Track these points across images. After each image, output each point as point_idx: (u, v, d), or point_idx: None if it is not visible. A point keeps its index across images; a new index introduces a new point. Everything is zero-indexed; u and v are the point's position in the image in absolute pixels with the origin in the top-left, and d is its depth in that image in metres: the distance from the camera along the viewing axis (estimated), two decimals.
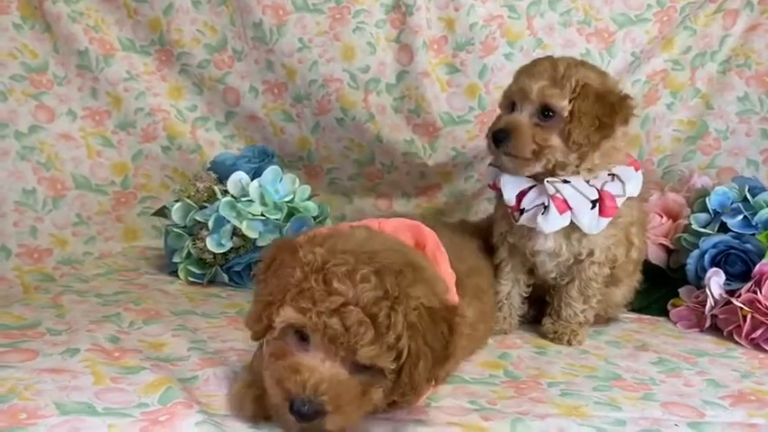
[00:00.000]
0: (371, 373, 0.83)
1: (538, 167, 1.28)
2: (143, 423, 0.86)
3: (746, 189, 1.57)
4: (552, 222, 1.27)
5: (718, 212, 1.56)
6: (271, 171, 1.57)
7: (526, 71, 1.29)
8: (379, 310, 0.81)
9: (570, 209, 1.26)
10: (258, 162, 1.66)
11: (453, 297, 0.95)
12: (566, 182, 1.27)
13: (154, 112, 1.90)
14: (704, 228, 1.56)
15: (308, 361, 0.82)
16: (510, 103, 1.30)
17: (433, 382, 0.89)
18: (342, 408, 0.81)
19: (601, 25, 1.84)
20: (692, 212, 1.61)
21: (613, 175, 1.29)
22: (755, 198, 1.55)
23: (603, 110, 1.24)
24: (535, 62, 1.31)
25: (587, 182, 1.28)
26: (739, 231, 1.52)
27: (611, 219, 1.27)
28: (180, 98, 1.93)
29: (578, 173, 1.28)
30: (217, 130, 1.95)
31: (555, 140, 1.25)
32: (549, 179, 1.27)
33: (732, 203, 1.56)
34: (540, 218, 1.27)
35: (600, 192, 1.27)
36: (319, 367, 0.81)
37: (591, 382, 1.14)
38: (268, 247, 0.96)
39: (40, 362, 1.02)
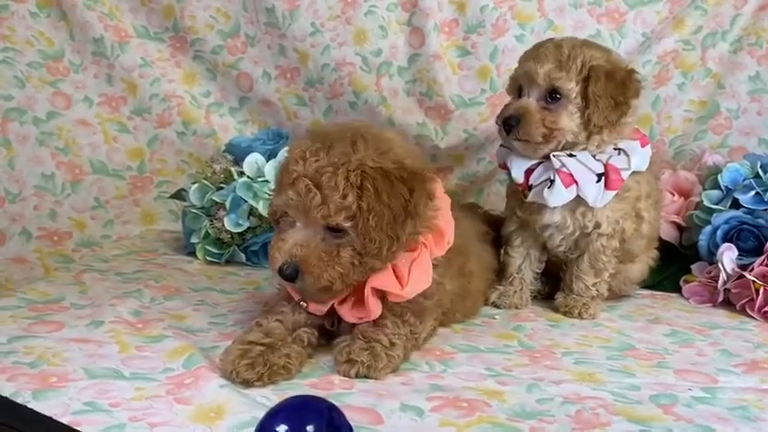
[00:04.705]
0: (340, 235, 0.95)
1: (549, 149, 1.30)
2: (169, 386, 0.89)
3: (758, 165, 1.57)
4: (558, 196, 1.29)
5: (730, 189, 1.57)
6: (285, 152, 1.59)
7: (531, 55, 1.31)
8: (321, 176, 0.92)
9: (575, 182, 1.28)
10: (273, 144, 1.68)
11: (449, 237, 1.05)
12: (571, 155, 1.29)
13: (168, 98, 1.92)
14: (716, 204, 1.57)
15: (288, 234, 0.96)
16: (517, 87, 1.32)
17: (396, 241, 0.96)
18: (312, 266, 0.93)
19: (611, 6, 1.83)
20: (704, 190, 1.62)
21: (619, 149, 1.31)
22: (767, 174, 1.55)
23: (616, 89, 1.26)
24: (539, 45, 1.33)
25: (594, 156, 1.30)
26: (751, 207, 1.52)
27: (616, 192, 1.29)
28: (194, 84, 1.96)
29: (586, 148, 1.30)
30: (231, 116, 1.98)
31: (564, 122, 1.27)
32: (555, 153, 1.29)
33: (744, 180, 1.57)
34: (545, 192, 1.29)
35: (606, 165, 1.29)
36: (293, 236, 0.95)
37: (604, 352, 1.15)
38: None
39: (66, 333, 1.06)
